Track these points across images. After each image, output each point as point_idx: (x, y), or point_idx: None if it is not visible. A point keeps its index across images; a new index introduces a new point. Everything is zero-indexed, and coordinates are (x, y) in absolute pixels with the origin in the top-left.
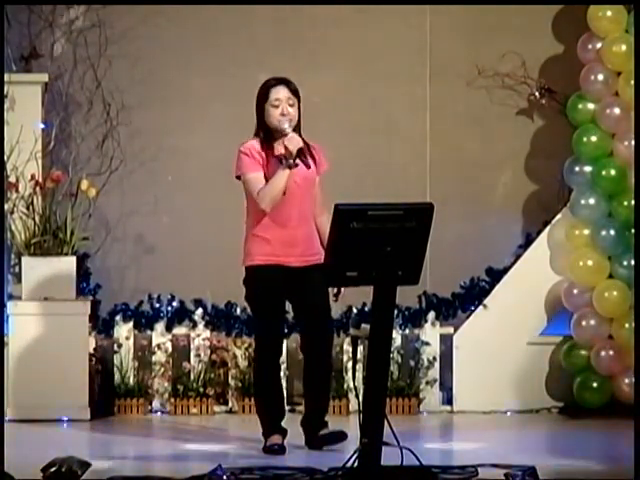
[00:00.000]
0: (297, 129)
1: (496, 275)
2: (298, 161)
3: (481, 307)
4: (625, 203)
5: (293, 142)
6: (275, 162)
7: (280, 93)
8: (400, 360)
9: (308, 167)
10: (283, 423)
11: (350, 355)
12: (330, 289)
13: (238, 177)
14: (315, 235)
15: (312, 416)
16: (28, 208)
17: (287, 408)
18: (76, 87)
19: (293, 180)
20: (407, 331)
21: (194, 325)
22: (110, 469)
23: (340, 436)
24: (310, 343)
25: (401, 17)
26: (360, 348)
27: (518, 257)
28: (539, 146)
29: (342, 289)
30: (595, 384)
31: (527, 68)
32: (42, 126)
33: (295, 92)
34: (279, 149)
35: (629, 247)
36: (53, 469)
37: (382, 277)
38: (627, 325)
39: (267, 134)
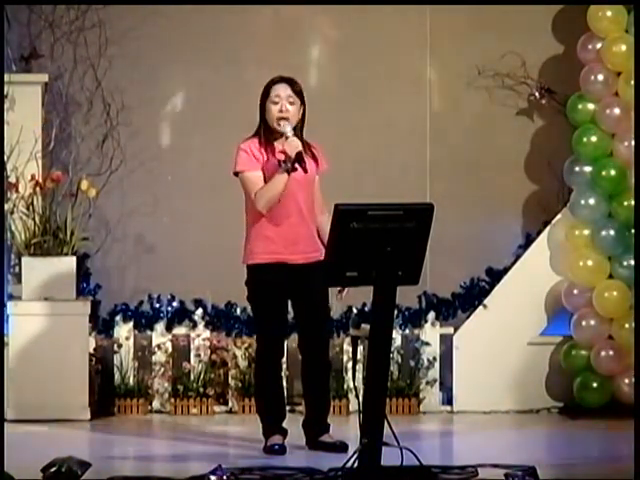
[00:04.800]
0: (300, 130)
1: (496, 275)
2: (296, 165)
3: (481, 307)
4: (625, 203)
5: (292, 146)
6: (273, 162)
7: (280, 90)
8: (400, 360)
9: (305, 172)
10: (283, 423)
11: (350, 355)
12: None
13: (236, 174)
14: (315, 233)
15: (313, 419)
16: (28, 208)
17: (287, 408)
18: (76, 87)
19: (293, 178)
20: (407, 331)
21: (194, 325)
22: (110, 469)
23: (340, 447)
24: (307, 342)
25: (401, 17)
26: (360, 348)
27: (518, 257)
28: (539, 146)
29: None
30: (595, 384)
31: (527, 68)
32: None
33: (298, 92)
34: (278, 148)
35: (629, 247)
36: (53, 469)
37: (382, 277)
38: (627, 325)
39: (267, 132)
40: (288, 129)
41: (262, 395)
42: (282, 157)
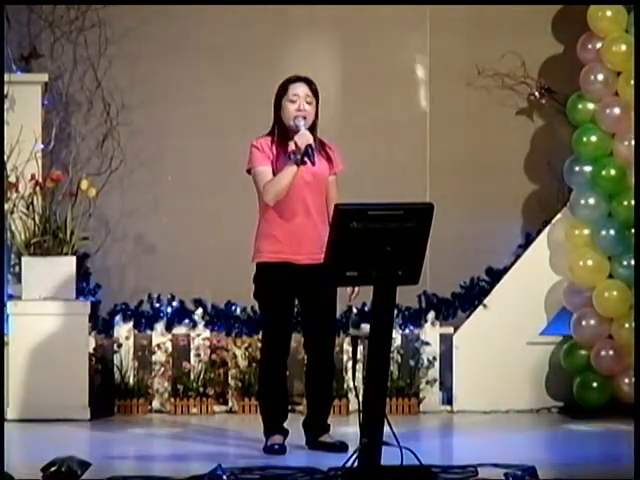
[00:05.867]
0: (313, 129)
1: (496, 275)
2: (306, 159)
3: (481, 307)
4: (625, 203)
5: (303, 138)
6: (285, 159)
7: (299, 89)
8: (400, 360)
9: (313, 164)
10: (284, 423)
11: (350, 355)
12: (346, 289)
13: (248, 171)
14: (324, 233)
15: (314, 419)
16: (28, 208)
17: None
18: (76, 87)
19: (301, 176)
20: (407, 331)
21: (194, 325)
22: (110, 469)
23: (340, 447)
24: (313, 343)
25: (401, 17)
26: (360, 348)
27: (518, 257)
28: (539, 146)
29: (356, 288)
30: (595, 384)
31: (527, 68)
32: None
33: (315, 91)
34: (291, 147)
35: (629, 247)
36: (53, 469)
37: (382, 277)
38: (627, 325)
39: (282, 130)
40: (301, 124)
41: (265, 394)
42: (292, 150)
